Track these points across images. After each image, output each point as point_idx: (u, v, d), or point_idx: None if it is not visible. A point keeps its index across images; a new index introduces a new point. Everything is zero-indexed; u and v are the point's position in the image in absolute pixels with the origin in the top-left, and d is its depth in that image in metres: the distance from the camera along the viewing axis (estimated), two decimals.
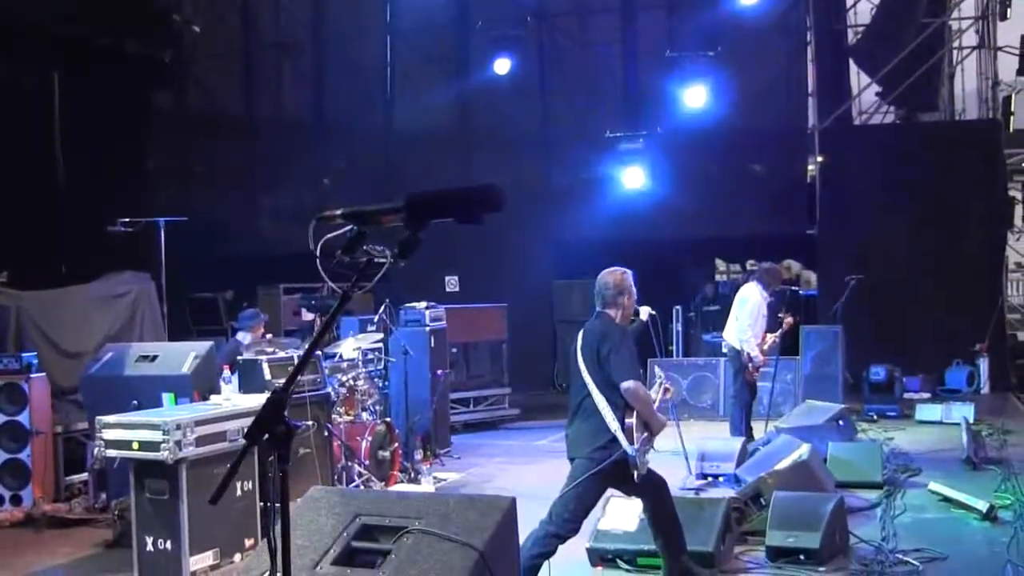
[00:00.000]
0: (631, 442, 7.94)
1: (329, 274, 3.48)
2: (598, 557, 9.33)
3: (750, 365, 13.84)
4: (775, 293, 14.64)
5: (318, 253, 3.48)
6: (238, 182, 27.01)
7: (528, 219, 22.64)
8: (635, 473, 8.03)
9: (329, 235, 3.48)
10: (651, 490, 8.37)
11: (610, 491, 8.65)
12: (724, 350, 14.73)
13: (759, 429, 14.43)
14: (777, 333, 14.44)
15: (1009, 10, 23.17)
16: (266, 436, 3.47)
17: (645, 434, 8.10)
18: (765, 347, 14.03)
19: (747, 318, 13.99)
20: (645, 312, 9.98)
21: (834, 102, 22.86)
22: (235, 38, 26.61)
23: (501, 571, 4.72)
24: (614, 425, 7.96)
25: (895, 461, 13.60)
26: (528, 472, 14.09)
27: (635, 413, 8.03)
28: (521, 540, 6.06)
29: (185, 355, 11.76)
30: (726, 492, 11.26)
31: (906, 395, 18.92)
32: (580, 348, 8.27)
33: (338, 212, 3.47)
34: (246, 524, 9.67)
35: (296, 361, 11.60)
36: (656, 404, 8.56)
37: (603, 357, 8.06)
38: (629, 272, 8.54)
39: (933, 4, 21.45)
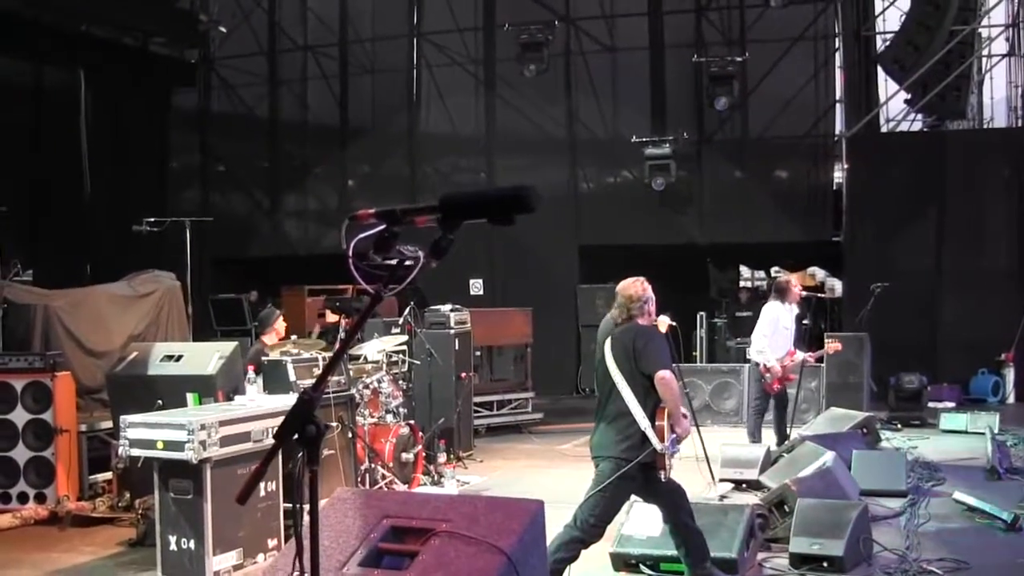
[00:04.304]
0: (661, 440, 7.96)
1: (361, 275, 3.46)
2: (621, 562, 9.31)
3: (767, 376, 13.83)
4: (801, 302, 14.66)
5: (350, 253, 3.46)
6: (263, 183, 27.13)
7: (553, 223, 22.65)
8: (662, 473, 8.05)
9: (361, 235, 3.46)
10: (670, 497, 8.38)
11: (634, 496, 8.64)
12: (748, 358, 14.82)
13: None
14: (814, 354, 14.54)
15: None
16: (295, 436, 3.46)
17: (673, 435, 8.10)
18: (790, 362, 13.99)
19: (763, 330, 14.03)
20: (664, 323, 9.95)
21: (862, 109, 22.81)
22: (261, 40, 26.70)
23: (529, 574, 4.71)
24: (644, 423, 7.98)
25: (919, 470, 13.56)
26: (551, 476, 14.06)
27: (665, 414, 8.04)
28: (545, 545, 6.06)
29: (210, 355, 11.80)
30: (750, 498, 11.24)
31: (931, 404, 18.84)
32: (611, 350, 8.28)
33: (371, 211, 3.47)
34: (269, 525, 9.69)
35: (321, 362, 11.64)
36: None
37: (638, 351, 8.09)
38: (645, 281, 8.57)
39: (963, 11, 21.34)
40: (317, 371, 11.36)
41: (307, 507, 3.60)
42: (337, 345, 12.91)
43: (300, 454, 3.49)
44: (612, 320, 8.65)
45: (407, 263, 3.45)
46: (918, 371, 18.38)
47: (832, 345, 15.13)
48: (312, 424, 3.45)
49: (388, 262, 3.45)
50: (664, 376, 8.02)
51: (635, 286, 8.50)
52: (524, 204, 3.27)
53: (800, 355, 14.07)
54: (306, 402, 3.47)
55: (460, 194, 3.39)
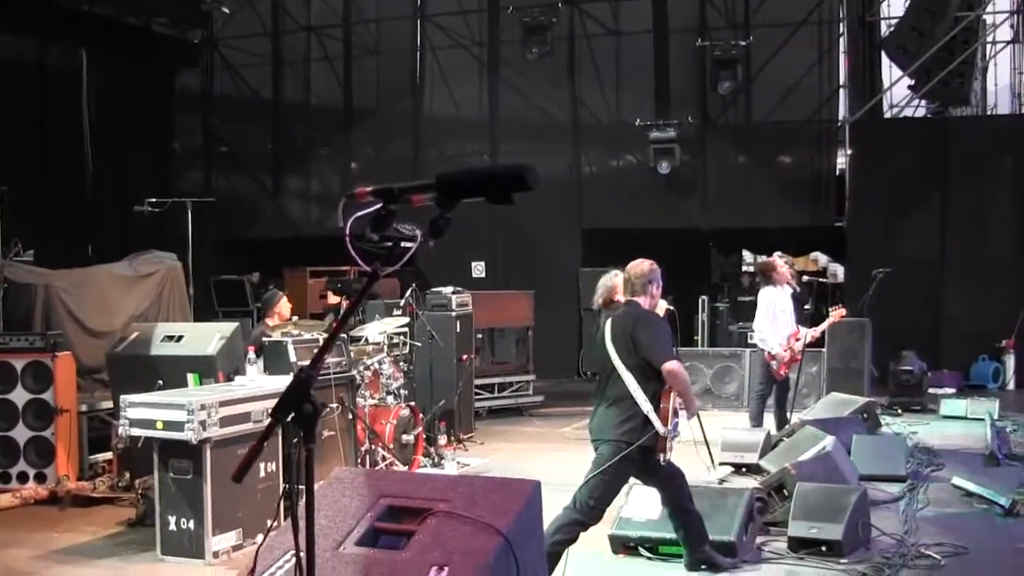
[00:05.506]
0: (664, 424, 7.96)
1: (358, 253, 3.46)
2: (620, 544, 9.32)
3: (774, 363, 13.82)
4: (801, 285, 14.65)
5: (347, 231, 3.45)
6: (265, 164, 27.11)
7: (556, 206, 22.66)
8: (661, 456, 8.06)
9: (358, 213, 3.46)
10: (669, 481, 8.40)
11: (633, 479, 8.65)
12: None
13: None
14: (817, 328, 14.51)
15: None
16: (292, 415, 3.45)
17: (677, 419, 8.12)
18: (796, 343, 13.94)
19: (762, 318, 14.01)
20: (662, 308, 9.92)
21: (865, 95, 22.78)
22: (265, 20, 26.66)
23: (525, 554, 4.70)
24: (647, 407, 7.98)
25: (919, 455, 13.57)
26: (552, 459, 14.04)
27: (671, 396, 8.05)
28: (544, 526, 6.05)
29: (211, 336, 11.81)
30: (749, 482, 11.25)
31: (931, 389, 18.84)
32: (610, 333, 8.27)
33: (368, 190, 3.46)
34: (269, 505, 9.69)
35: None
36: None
37: (639, 341, 8.08)
38: (655, 264, 8.55)
39: None
40: None
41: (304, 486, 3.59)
42: (334, 324, 12.90)
43: (296, 433, 3.48)
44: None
45: (404, 242, 3.44)
46: (917, 358, 18.34)
47: (837, 312, 15.00)
48: (308, 403, 3.44)
49: (385, 241, 3.44)
50: (672, 368, 8.01)
51: (642, 265, 8.51)
52: (521, 182, 3.25)
53: (804, 332, 14.03)
54: (303, 380, 3.46)
55: (456, 172, 3.37)
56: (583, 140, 24.72)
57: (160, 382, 11.07)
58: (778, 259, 14.55)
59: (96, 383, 14.33)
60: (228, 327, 12.08)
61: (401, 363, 13.81)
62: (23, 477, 12.25)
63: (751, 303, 15.86)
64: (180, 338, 12.01)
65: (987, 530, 10.24)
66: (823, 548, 9.09)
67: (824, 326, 14.85)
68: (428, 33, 25.66)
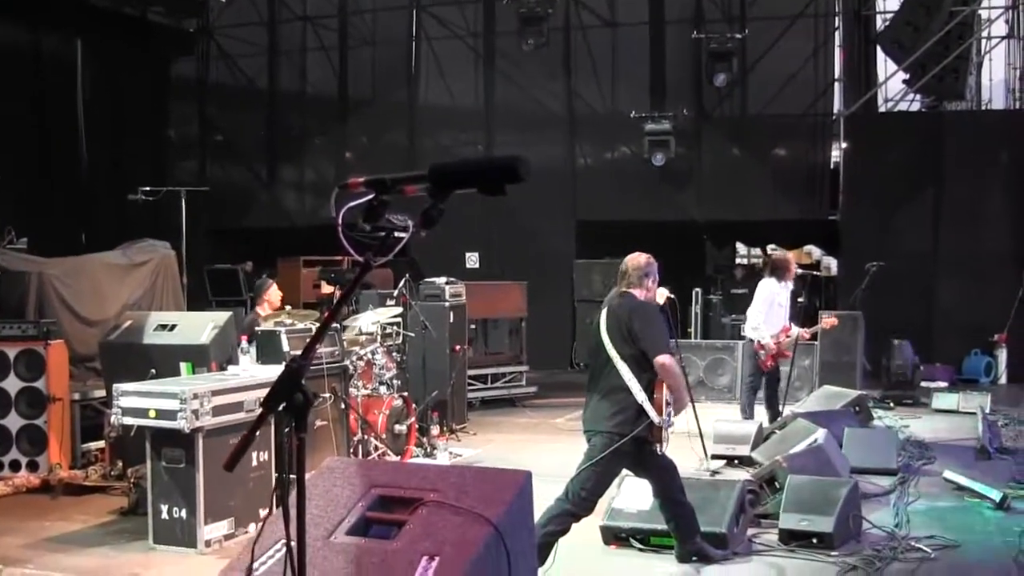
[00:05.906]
0: (659, 414, 7.97)
1: (350, 243, 3.46)
2: (611, 536, 9.33)
3: (761, 353, 13.84)
4: (797, 279, 14.70)
5: (340, 221, 3.46)
6: (260, 154, 27.05)
7: (550, 198, 22.64)
8: (657, 446, 8.08)
9: (351, 204, 3.46)
10: (661, 473, 8.42)
11: (625, 470, 8.66)
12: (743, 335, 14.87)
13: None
14: (809, 330, 14.58)
15: None
16: (283, 405, 3.46)
17: (670, 408, 8.13)
18: (785, 339, 13.97)
19: (758, 308, 14.03)
20: (662, 295, 9.91)
21: (860, 89, 22.80)
22: (261, 10, 26.61)
23: (516, 545, 4.71)
24: (641, 396, 7.99)
25: (910, 448, 13.58)
26: (544, 450, 14.07)
27: (664, 388, 8.06)
28: (536, 517, 6.06)
29: (204, 325, 11.81)
30: (741, 474, 11.26)
31: (923, 383, 18.86)
32: (605, 323, 8.27)
33: (361, 180, 3.46)
34: (261, 494, 9.70)
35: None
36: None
37: (634, 332, 8.08)
38: (652, 257, 8.57)
39: None
40: None
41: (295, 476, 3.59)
42: (326, 314, 12.90)
43: (287, 423, 3.48)
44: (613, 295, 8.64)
45: (397, 232, 3.45)
46: (910, 346, 18.36)
47: (828, 320, 15.14)
48: (300, 392, 3.44)
49: (378, 231, 3.45)
50: (664, 362, 8.01)
51: (639, 258, 8.52)
52: (513, 174, 3.26)
53: (795, 331, 14.07)
54: (294, 371, 3.47)
55: (449, 163, 3.39)
56: (578, 131, 24.73)
57: (153, 371, 11.07)
58: (791, 258, 14.65)
59: (89, 371, 14.30)
60: (221, 316, 12.07)
61: (394, 353, 13.80)
62: (15, 465, 12.25)
63: (744, 295, 15.89)
64: (173, 327, 12.01)
65: (977, 524, 10.24)
66: (814, 540, 9.09)
67: (814, 330, 14.93)
68: (424, 23, 25.64)
